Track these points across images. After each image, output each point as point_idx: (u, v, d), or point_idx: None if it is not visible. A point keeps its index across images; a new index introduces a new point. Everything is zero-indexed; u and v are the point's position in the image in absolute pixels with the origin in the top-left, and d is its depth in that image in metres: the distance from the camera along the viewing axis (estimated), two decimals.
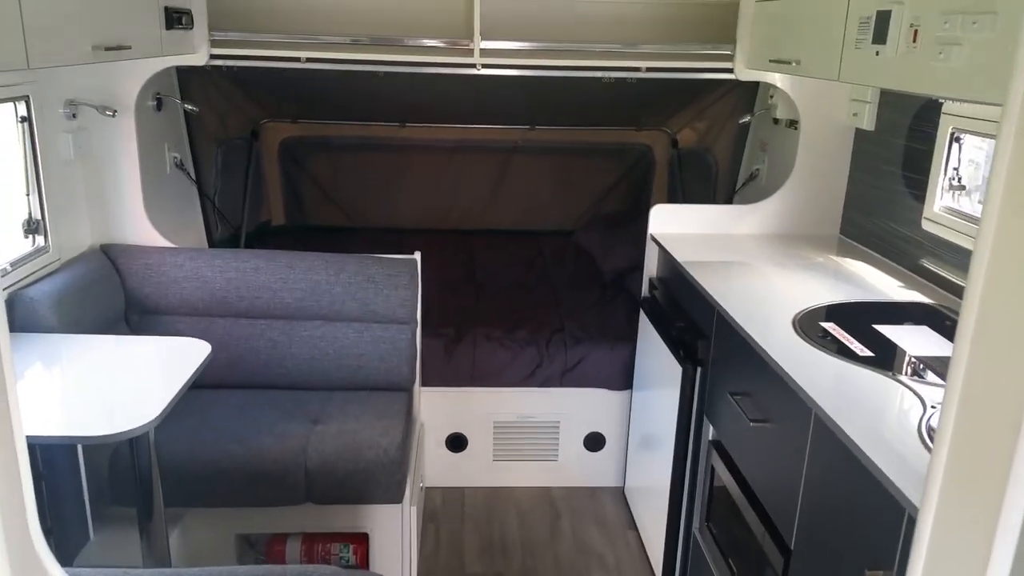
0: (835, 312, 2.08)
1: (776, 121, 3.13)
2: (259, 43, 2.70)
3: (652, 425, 2.77)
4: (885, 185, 2.65)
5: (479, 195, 4.33)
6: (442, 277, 3.74)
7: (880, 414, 1.51)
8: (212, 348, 2.64)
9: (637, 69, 2.79)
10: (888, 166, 2.62)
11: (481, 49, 2.68)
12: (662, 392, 2.60)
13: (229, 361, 2.68)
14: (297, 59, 2.70)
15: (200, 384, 2.67)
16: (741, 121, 3.34)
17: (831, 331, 1.92)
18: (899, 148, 2.56)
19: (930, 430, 1.44)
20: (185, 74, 3.09)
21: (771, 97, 3.11)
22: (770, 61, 2.53)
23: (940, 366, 1.73)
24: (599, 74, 2.82)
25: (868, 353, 1.78)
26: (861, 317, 2.04)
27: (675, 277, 2.65)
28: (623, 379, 3.07)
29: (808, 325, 1.96)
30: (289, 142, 4.13)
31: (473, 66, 2.72)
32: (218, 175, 3.53)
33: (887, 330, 1.94)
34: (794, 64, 2.34)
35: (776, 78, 2.80)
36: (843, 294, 2.23)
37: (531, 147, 4.24)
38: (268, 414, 2.51)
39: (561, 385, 3.08)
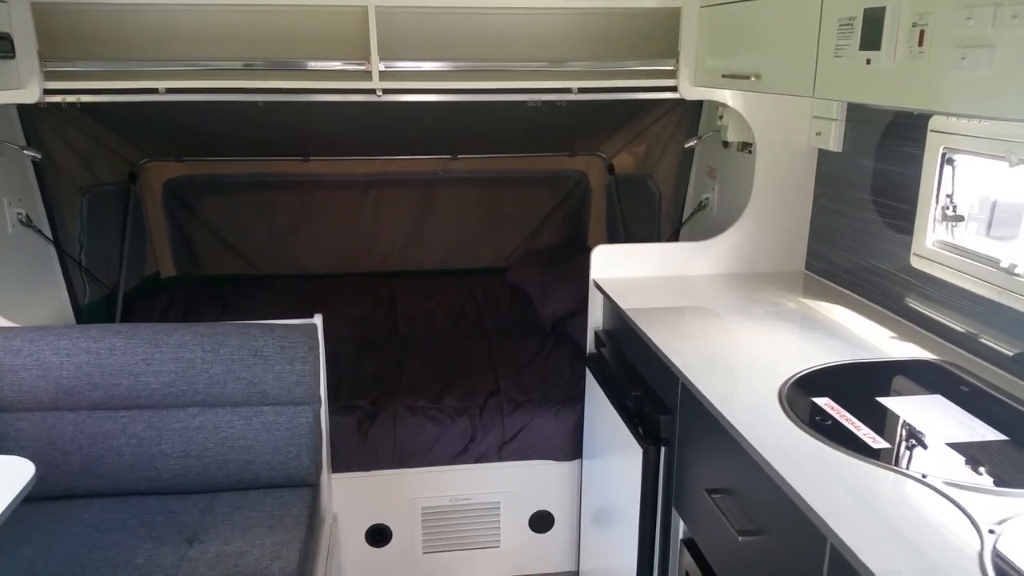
0: (826, 380, 1.69)
1: (726, 144, 2.77)
2: (107, 73, 2.20)
3: (607, 502, 2.34)
4: (856, 214, 2.30)
5: (399, 233, 3.90)
6: (358, 332, 3.28)
7: (922, 545, 1.11)
8: (62, 451, 2.14)
9: (567, 90, 2.39)
10: (858, 192, 2.28)
11: (381, 71, 2.24)
12: (618, 468, 2.18)
13: (84, 465, 2.15)
14: (155, 90, 2.21)
15: (46, 495, 2.16)
16: (686, 145, 2.97)
17: (828, 410, 1.52)
18: (869, 170, 2.22)
19: (998, 567, 1.05)
20: (35, 112, 2.57)
21: (720, 117, 2.74)
22: (722, 76, 2.16)
23: (978, 456, 1.35)
24: (523, 98, 2.41)
25: (883, 444, 1.39)
26: (859, 386, 1.65)
27: (625, 331, 2.24)
28: (571, 448, 2.64)
29: (798, 402, 1.56)
30: (175, 183, 3.61)
31: (373, 91, 2.28)
32: (84, 229, 3.00)
33: (895, 404, 1.56)
34: (753, 79, 1.97)
35: (727, 95, 2.43)
36: (829, 351, 1.84)
37: (454, 178, 3.83)
38: (131, 534, 1.99)
39: (499, 459, 2.63)
